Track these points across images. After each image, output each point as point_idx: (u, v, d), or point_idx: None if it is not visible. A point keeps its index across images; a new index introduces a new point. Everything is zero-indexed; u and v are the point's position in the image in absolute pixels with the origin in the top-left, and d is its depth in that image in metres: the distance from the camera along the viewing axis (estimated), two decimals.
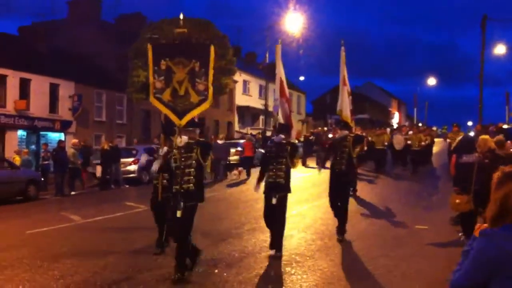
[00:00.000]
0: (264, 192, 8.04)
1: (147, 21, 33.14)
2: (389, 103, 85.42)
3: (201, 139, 7.25)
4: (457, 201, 8.53)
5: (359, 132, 21.70)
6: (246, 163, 21.88)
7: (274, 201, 7.71)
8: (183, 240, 6.66)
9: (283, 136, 8.19)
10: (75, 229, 10.91)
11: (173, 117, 7.06)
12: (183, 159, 6.81)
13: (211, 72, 7.20)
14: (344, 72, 10.52)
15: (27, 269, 7.28)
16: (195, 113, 7.11)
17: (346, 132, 9.60)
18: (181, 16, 8.37)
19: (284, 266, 7.31)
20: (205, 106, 7.14)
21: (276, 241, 7.86)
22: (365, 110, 66.37)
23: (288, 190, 8.01)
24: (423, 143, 21.29)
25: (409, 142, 21.27)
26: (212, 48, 7.29)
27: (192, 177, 6.78)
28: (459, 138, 10.08)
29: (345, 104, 10.21)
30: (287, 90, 9.64)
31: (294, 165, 8.09)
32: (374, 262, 7.62)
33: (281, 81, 9.39)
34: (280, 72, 9.41)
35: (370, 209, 12.71)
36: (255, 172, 22.37)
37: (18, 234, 10.25)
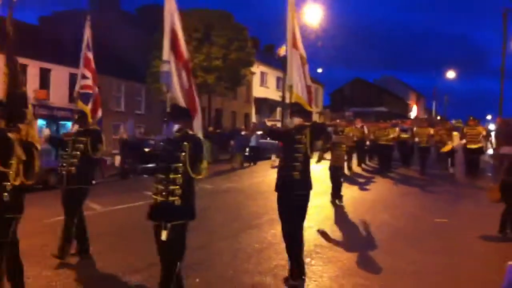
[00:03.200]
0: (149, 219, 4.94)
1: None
2: (408, 96, 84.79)
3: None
4: (492, 191, 8.64)
5: (358, 125, 21.17)
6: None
7: (164, 235, 4.69)
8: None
9: (177, 127, 4.95)
10: (95, 217, 10.99)
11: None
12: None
13: None
14: (294, 29, 6.95)
15: (47, 256, 7.32)
16: None
17: (300, 120, 6.22)
18: None
19: (305, 257, 7.30)
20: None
21: None
22: (384, 103, 66.03)
23: (188, 215, 4.86)
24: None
25: (416, 139, 19.49)
26: None
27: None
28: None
29: (296, 76, 6.80)
30: (184, 48, 6.07)
31: (198, 174, 4.89)
32: (394, 255, 7.60)
33: (174, 32, 6.05)
34: (174, 18, 6.09)
35: (387, 202, 12.75)
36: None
37: (37, 222, 10.35)
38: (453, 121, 28.21)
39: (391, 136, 19.64)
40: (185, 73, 5.82)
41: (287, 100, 6.67)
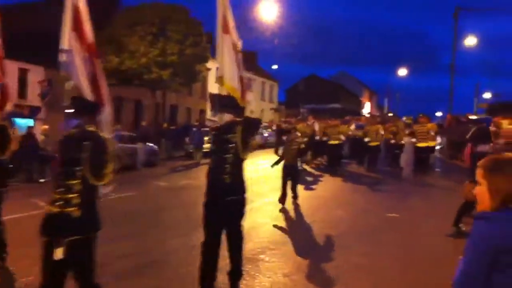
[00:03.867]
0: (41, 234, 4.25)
1: (120, 6, 32.70)
2: (361, 92, 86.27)
3: None
4: (471, 190, 8.75)
5: (310, 122, 20.85)
6: None
7: (59, 253, 3.94)
8: None
9: (75, 123, 4.22)
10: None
11: None
12: None
13: None
14: (225, 11, 6.07)
15: None
16: None
17: (231, 116, 5.45)
18: None
19: (259, 254, 7.36)
20: None
21: None
22: (338, 99, 66.99)
23: (88, 228, 4.06)
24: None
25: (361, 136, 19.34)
26: None
27: None
28: (474, 128, 9.75)
29: (228, 65, 6.02)
30: (90, 30, 5.16)
31: (101, 180, 4.05)
32: (348, 249, 7.75)
33: (77, 10, 5.12)
34: None
35: (340, 199, 12.99)
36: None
37: None
38: (404, 118, 28.80)
39: (342, 135, 19.45)
40: (90, 59, 4.94)
41: (220, 93, 6.04)
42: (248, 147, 5.34)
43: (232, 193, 5.33)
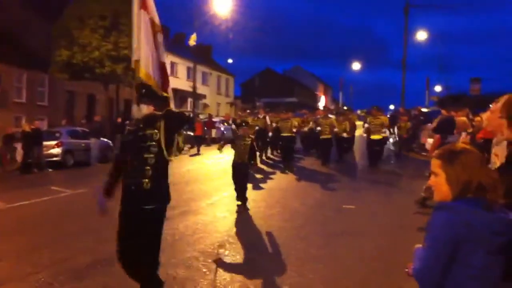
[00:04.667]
0: None
1: None
2: (316, 86, 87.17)
3: None
4: None
5: (261, 116, 20.54)
6: (197, 141, 25.70)
7: None
8: None
9: None
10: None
11: None
12: None
13: None
14: None
15: None
16: None
17: (151, 108, 4.61)
18: None
19: (218, 248, 7.31)
20: None
21: None
22: (294, 93, 67.45)
23: None
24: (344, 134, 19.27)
25: (318, 128, 18.94)
26: None
27: None
28: (438, 118, 9.57)
29: (146, 47, 5.18)
30: None
31: None
32: (306, 240, 7.80)
33: None
34: None
35: (296, 192, 13.06)
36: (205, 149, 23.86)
37: None
38: (358, 111, 29.17)
39: (294, 128, 18.91)
40: None
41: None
42: (173, 146, 4.58)
43: (152, 201, 4.47)
